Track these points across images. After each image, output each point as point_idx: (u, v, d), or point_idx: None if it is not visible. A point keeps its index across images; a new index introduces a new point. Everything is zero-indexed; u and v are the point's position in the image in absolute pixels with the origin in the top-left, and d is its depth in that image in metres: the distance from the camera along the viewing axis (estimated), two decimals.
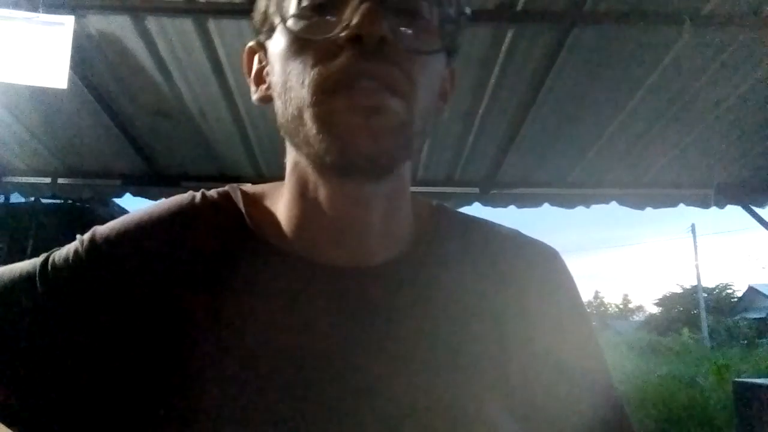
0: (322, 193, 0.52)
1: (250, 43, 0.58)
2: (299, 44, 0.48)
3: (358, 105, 0.45)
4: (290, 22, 0.49)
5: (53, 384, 0.51)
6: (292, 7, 0.49)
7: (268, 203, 0.58)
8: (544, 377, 0.53)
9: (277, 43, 0.51)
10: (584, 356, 0.57)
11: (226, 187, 0.59)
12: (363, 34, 0.45)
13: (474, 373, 0.51)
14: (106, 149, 3.22)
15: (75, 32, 2.01)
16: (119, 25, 2.24)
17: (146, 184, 3.53)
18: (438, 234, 0.59)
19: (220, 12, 2.18)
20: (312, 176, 0.52)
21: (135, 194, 3.61)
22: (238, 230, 0.55)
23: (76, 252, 0.54)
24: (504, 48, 2.36)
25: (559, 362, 0.55)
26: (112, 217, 0.57)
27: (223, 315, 0.50)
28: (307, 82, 0.47)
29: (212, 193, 0.59)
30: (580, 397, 0.54)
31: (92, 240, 0.54)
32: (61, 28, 1.99)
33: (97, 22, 2.22)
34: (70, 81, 2.04)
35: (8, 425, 0.51)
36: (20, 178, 3.52)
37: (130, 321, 0.51)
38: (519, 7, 2.16)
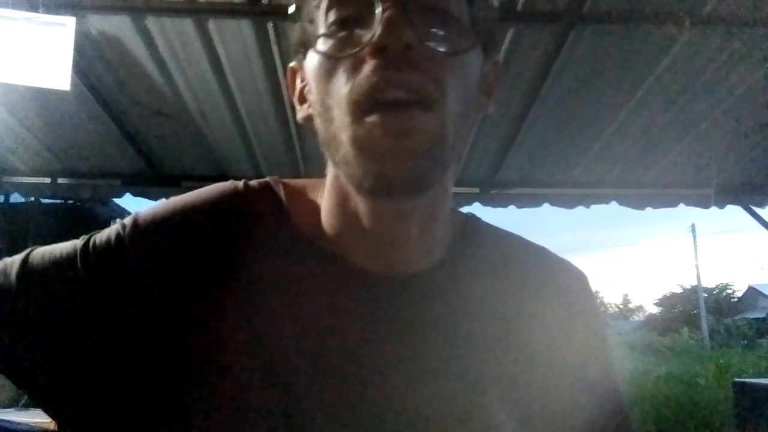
0: (361, 208, 0.52)
1: (292, 64, 0.58)
2: (330, 63, 0.48)
3: (389, 127, 0.44)
4: (320, 42, 0.49)
5: (92, 364, 0.51)
6: (321, 27, 0.49)
7: (309, 198, 0.58)
8: (563, 397, 0.54)
9: (311, 63, 0.50)
10: (602, 378, 0.58)
11: (267, 179, 0.60)
12: (387, 43, 0.44)
13: (496, 385, 0.51)
14: (106, 149, 3.22)
15: (76, 33, 2.01)
16: (119, 26, 2.24)
17: (146, 184, 3.53)
18: (469, 246, 0.59)
19: (220, 12, 2.18)
20: (352, 192, 0.52)
21: (135, 194, 3.61)
22: (279, 221, 0.55)
23: (118, 236, 0.54)
24: (504, 48, 2.35)
25: (578, 382, 0.55)
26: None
27: (258, 304, 0.51)
28: (341, 100, 0.46)
29: (253, 183, 0.59)
30: (595, 419, 0.55)
31: (135, 225, 0.55)
32: (63, 29, 1.99)
33: (97, 23, 2.22)
34: (71, 81, 2.04)
35: (48, 408, 0.53)
36: (20, 178, 3.52)
37: (170, 305, 0.52)
38: (519, 7, 2.16)
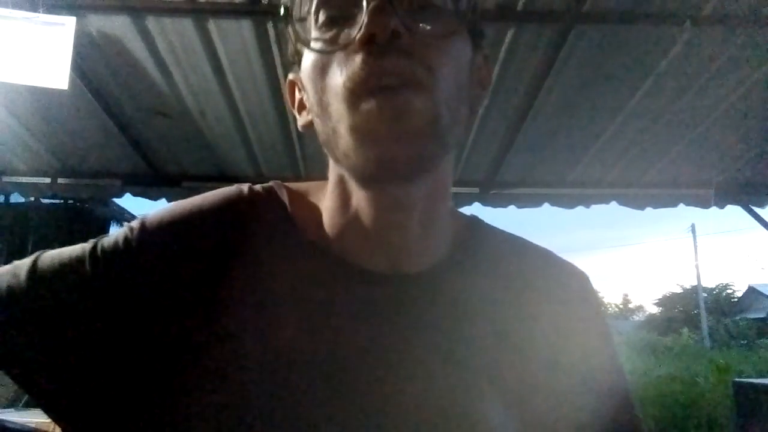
0: (363, 204, 0.53)
1: (290, 76, 0.59)
2: (323, 60, 0.49)
3: (385, 110, 0.46)
4: (312, 44, 0.50)
5: (96, 365, 0.52)
6: (312, 31, 0.51)
7: (311, 201, 0.59)
8: (566, 395, 0.54)
9: (306, 66, 0.52)
10: (607, 377, 0.58)
11: (271, 183, 0.61)
12: (374, 31, 0.45)
13: (500, 385, 0.52)
14: (106, 149, 3.23)
15: (76, 33, 2.02)
16: (119, 26, 2.24)
17: (146, 184, 3.53)
18: (473, 246, 0.59)
19: (220, 12, 2.18)
20: (354, 189, 0.53)
21: (135, 194, 3.61)
22: (283, 225, 0.56)
23: (126, 238, 0.55)
24: (504, 48, 2.36)
25: (582, 381, 0.55)
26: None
27: (262, 308, 0.51)
28: (338, 94, 0.47)
29: (258, 187, 0.60)
30: (603, 418, 0.55)
31: (142, 228, 0.56)
32: (63, 29, 1.99)
33: (97, 22, 2.22)
34: (71, 81, 2.04)
35: (50, 410, 0.53)
36: (20, 178, 3.52)
37: (174, 307, 0.52)
38: (519, 7, 2.16)
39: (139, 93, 2.70)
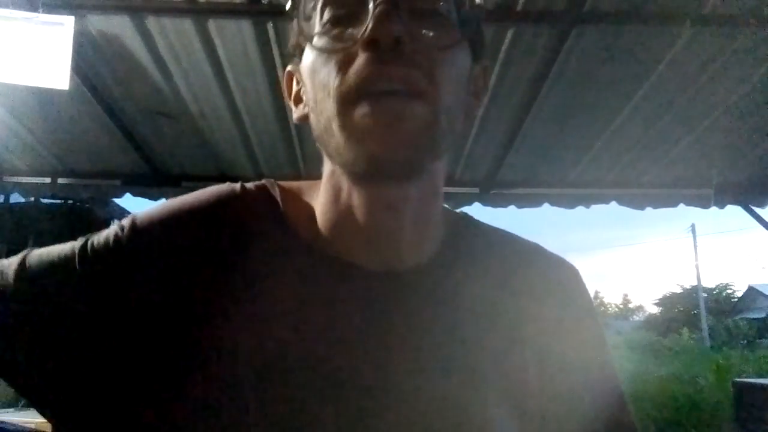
0: (355, 200, 0.53)
1: (289, 67, 0.59)
2: (324, 58, 0.49)
3: (380, 112, 0.46)
4: (315, 40, 0.50)
5: (86, 364, 0.51)
6: (316, 27, 0.51)
7: (304, 199, 0.59)
8: (558, 389, 0.54)
9: (307, 61, 0.52)
10: (598, 371, 0.58)
11: (264, 181, 0.60)
12: (378, 36, 0.45)
13: (492, 380, 0.52)
14: (106, 149, 3.23)
15: (75, 32, 2.02)
16: (119, 26, 2.24)
17: (146, 184, 3.53)
18: (463, 242, 0.59)
19: (220, 12, 2.18)
20: (346, 184, 0.53)
21: (135, 194, 3.61)
22: (275, 223, 0.56)
23: (116, 236, 0.54)
24: (504, 48, 2.36)
25: (573, 375, 0.55)
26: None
27: (255, 307, 0.51)
28: (332, 92, 0.48)
29: (250, 185, 0.60)
30: (594, 412, 0.55)
31: (133, 226, 0.55)
32: (62, 29, 1.99)
33: (98, 22, 2.22)
34: (71, 81, 2.04)
35: (44, 411, 0.53)
36: (20, 178, 3.52)
37: (164, 306, 0.52)
38: (519, 7, 2.17)
39: (139, 93, 2.70)
